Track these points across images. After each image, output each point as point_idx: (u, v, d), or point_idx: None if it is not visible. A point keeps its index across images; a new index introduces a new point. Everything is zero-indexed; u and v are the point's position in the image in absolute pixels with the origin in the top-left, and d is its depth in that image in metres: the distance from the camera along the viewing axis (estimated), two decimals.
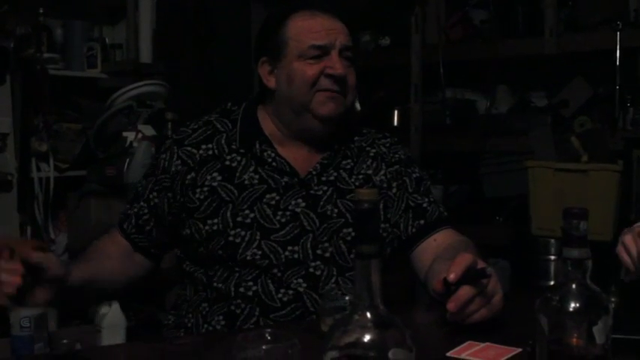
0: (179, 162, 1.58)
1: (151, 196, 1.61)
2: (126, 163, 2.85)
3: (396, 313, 0.87)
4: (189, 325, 1.54)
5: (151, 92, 3.15)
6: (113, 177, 2.92)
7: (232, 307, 1.50)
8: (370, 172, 1.63)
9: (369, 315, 0.88)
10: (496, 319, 1.30)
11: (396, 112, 3.60)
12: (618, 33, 2.83)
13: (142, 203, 1.62)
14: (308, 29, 1.55)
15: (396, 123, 3.58)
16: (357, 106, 3.68)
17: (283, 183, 1.56)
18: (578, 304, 0.95)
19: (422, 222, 1.62)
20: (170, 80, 3.30)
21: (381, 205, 1.59)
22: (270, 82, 1.59)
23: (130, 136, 2.95)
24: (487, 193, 3.19)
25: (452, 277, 1.26)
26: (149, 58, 3.46)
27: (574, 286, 0.96)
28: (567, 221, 0.96)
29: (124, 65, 3.50)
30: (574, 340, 0.96)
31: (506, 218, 3.10)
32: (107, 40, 3.65)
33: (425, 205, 1.63)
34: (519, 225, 2.83)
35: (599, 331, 0.95)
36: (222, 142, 1.60)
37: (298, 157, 1.60)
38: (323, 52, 1.54)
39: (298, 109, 1.56)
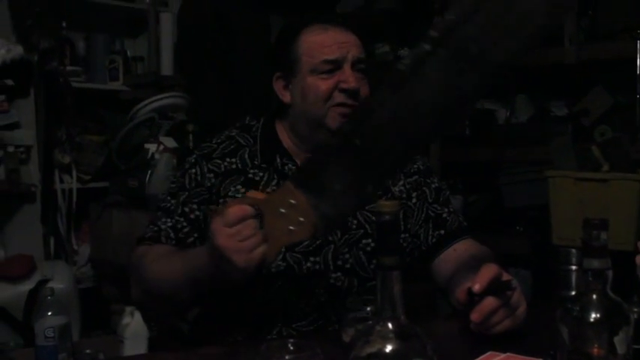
0: (211, 175, 1.58)
1: (187, 209, 1.58)
2: (148, 175, 2.87)
3: (416, 323, 0.88)
4: (212, 335, 1.55)
5: (173, 104, 3.19)
6: (135, 188, 2.94)
7: (255, 318, 1.51)
8: (389, 182, 1.63)
9: (390, 326, 0.89)
10: (517, 329, 1.31)
11: None
12: (638, 41, 2.81)
13: (177, 218, 1.58)
14: (320, 44, 1.54)
15: None
16: None
17: None
18: (598, 315, 0.95)
19: (442, 232, 1.63)
20: (191, 92, 3.33)
21: (401, 216, 1.60)
22: (286, 97, 1.60)
23: (151, 147, 2.97)
24: (507, 203, 3.17)
25: (477, 287, 1.27)
26: (170, 71, 3.51)
27: (595, 296, 0.96)
28: (587, 232, 0.97)
29: (146, 78, 3.55)
30: (595, 350, 0.96)
31: (527, 228, 3.09)
32: (129, 52, 3.70)
33: (445, 215, 1.64)
34: (540, 235, 2.81)
35: (620, 342, 0.96)
36: (246, 156, 1.61)
37: None
38: (336, 66, 1.54)
39: (313, 123, 1.57)
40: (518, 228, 3.13)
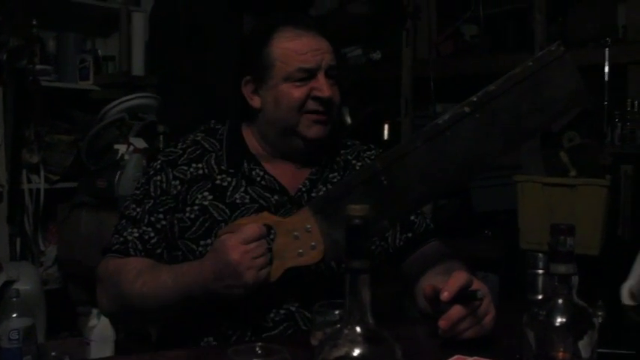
0: (177, 182, 1.56)
1: (153, 218, 1.55)
2: (117, 176, 2.85)
3: (385, 327, 0.88)
4: (181, 338, 1.54)
5: (143, 105, 3.17)
6: (104, 189, 2.92)
7: (223, 328, 1.49)
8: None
9: (358, 329, 0.89)
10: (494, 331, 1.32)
11: (386, 125, 3.62)
12: (607, 49, 2.85)
13: (144, 228, 1.55)
14: (294, 51, 1.53)
15: (386, 137, 3.60)
16: (348, 119, 3.72)
17: (274, 201, 1.55)
18: (564, 319, 0.97)
19: (410, 235, 1.63)
20: (162, 93, 3.31)
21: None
22: (255, 101, 1.59)
23: (121, 148, 2.95)
24: (477, 207, 3.20)
25: (445, 295, 1.27)
26: (141, 71, 3.48)
27: (560, 301, 0.97)
28: (554, 237, 0.98)
29: (117, 77, 3.52)
30: (560, 354, 0.97)
31: (496, 232, 3.11)
32: (100, 52, 3.67)
33: (412, 218, 1.65)
34: (508, 239, 2.84)
35: (584, 346, 0.97)
36: (212, 162, 1.59)
37: (286, 174, 1.60)
38: (310, 74, 1.53)
39: (284, 130, 1.56)
40: (487, 232, 3.15)
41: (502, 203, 3.00)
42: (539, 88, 1.39)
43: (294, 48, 1.53)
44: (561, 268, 0.98)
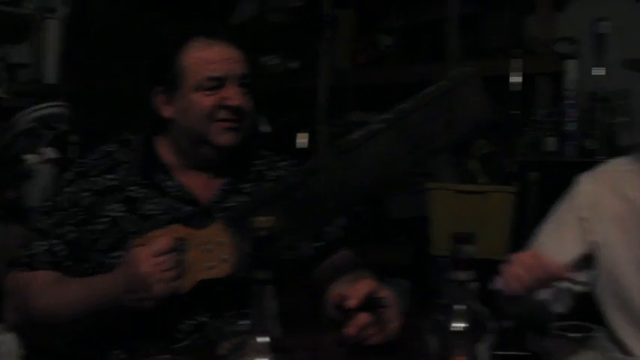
0: (88, 194, 1.54)
1: (63, 231, 1.53)
2: (27, 186, 2.78)
3: (294, 334, 0.90)
4: (89, 353, 1.52)
5: (55, 114, 3.09)
6: (13, 200, 2.84)
7: (132, 341, 1.47)
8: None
9: (263, 339, 0.91)
10: (394, 339, 1.35)
11: (303, 134, 3.64)
12: (516, 60, 2.95)
13: (53, 240, 1.52)
14: (205, 60, 1.54)
15: (303, 145, 3.62)
16: (267, 127, 3.73)
17: (186, 212, 1.55)
18: (462, 324, 1.01)
19: (321, 244, 1.65)
20: (75, 102, 3.25)
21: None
22: (167, 112, 1.59)
23: (32, 158, 2.88)
24: (391, 214, 3.25)
25: (351, 302, 1.31)
26: (54, 79, 3.41)
27: (459, 307, 1.01)
28: (454, 245, 1.02)
29: (28, 86, 3.43)
30: (459, 358, 1.01)
31: (409, 239, 3.17)
32: (11, 59, 3.57)
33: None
34: (421, 245, 2.90)
35: (482, 350, 1.01)
36: (124, 173, 1.58)
37: (199, 184, 1.60)
38: (220, 83, 1.54)
39: (196, 139, 1.57)
40: (400, 239, 3.20)
41: (416, 210, 3.06)
42: (451, 107, 1.43)
43: (205, 57, 1.54)
44: (461, 275, 1.02)
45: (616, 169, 1.64)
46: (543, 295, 1.45)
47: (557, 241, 1.60)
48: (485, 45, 3.18)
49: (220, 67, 1.54)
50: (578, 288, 1.57)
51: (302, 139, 3.57)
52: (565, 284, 1.53)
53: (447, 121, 1.43)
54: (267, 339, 0.92)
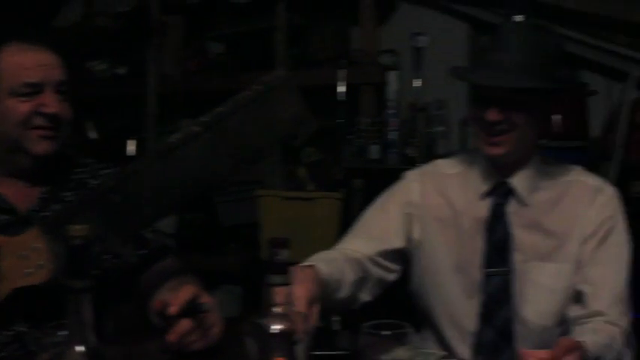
0: None
1: None
2: None
3: (123, 342, 0.90)
4: None
5: None
6: None
7: None
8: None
9: (80, 349, 0.90)
10: (219, 343, 1.37)
11: (131, 141, 3.57)
12: (342, 70, 3.04)
13: None
14: (20, 65, 1.50)
15: (131, 152, 3.55)
16: (94, 134, 3.62)
17: (1, 221, 1.50)
18: (280, 326, 1.04)
19: (145, 252, 1.65)
20: None
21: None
22: None
23: None
24: (222, 221, 3.26)
25: (172, 309, 1.32)
26: None
27: (276, 309, 1.04)
28: (270, 250, 1.05)
29: None
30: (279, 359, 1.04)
31: (240, 245, 3.20)
32: None
33: (149, 235, 1.66)
34: (252, 251, 2.93)
35: (300, 351, 1.05)
36: None
37: (17, 193, 1.55)
38: (37, 89, 1.50)
39: (11, 147, 1.52)
40: (231, 245, 3.22)
41: (247, 217, 3.09)
42: (265, 110, 1.46)
43: (20, 62, 1.50)
44: (277, 279, 1.05)
45: (442, 171, 1.70)
46: None
47: (382, 230, 1.65)
48: (312, 55, 3.26)
49: (36, 74, 1.50)
50: (390, 277, 1.64)
51: (131, 147, 3.49)
52: (378, 272, 1.60)
53: (265, 123, 1.46)
54: (83, 348, 0.91)
